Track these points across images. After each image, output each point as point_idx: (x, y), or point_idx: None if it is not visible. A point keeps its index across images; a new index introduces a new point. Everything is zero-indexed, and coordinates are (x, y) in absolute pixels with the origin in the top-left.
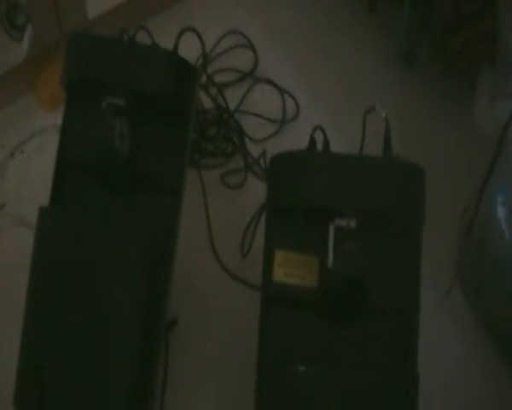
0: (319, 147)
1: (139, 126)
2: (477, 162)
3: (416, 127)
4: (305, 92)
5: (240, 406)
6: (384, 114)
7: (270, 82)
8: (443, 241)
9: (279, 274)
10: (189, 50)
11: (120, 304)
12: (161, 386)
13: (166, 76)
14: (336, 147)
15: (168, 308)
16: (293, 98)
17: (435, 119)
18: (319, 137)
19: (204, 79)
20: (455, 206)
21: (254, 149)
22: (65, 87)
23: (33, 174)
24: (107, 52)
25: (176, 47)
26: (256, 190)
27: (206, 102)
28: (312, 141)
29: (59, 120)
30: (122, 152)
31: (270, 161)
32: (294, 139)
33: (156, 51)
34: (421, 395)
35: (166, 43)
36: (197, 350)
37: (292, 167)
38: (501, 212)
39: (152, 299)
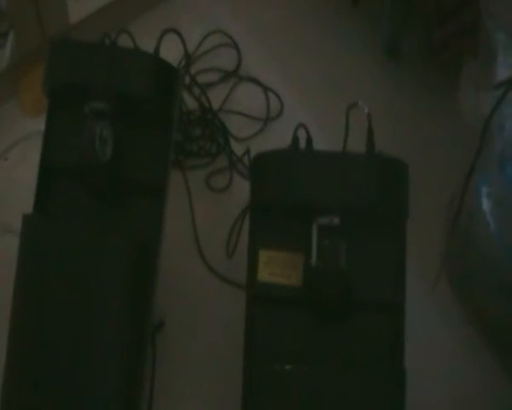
0: (303, 144)
1: (122, 130)
2: (462, 154)
3: (401, 120)
4: (289, 89)
5: (227, 406)
6: (366, 110)
7: (253, 80)
8: (429, 234)
9: (264, 274)
10: (172, 52)
11: (106, 308)
12: (149, 388)
13: (148, 79)
14: (321, 144)
15: (155, 311)
16: (278, 96)
17: (420, 111)
18: (304, 134)
19: (187, 79)
20: (441, 199)
21: (239, 149)
22: (47, 93)
23: (18, 181)
24: (89, 57)
25: (157, 49)
26: (241, 190)
27: (191, 103)
28: (295, 139)
29: (43, 127)
30: (105, 156)
31: (253, 160)
32: (279, 137)
33: (137, 54)
34: (409, 390)
35: (149, 45)
36: (184, 351)
37: (274, 166)
38: (486, 204)
39: (138, 302)
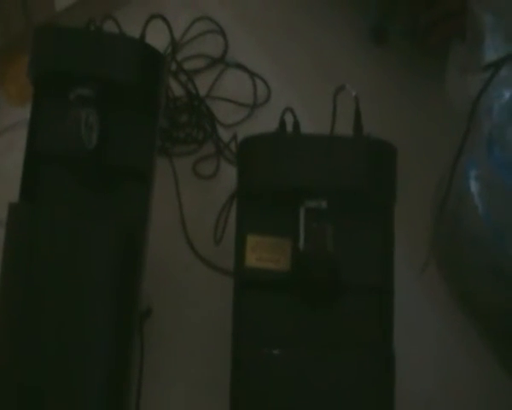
0: (290, 129)
1: (108, 116)
2: (450, 137)
3: (388, 104)
4: (276, 75)
5: (216, 391)
6: (354, 93)
7: (240, 66)
8: (417, 217)
9: (251, 259)
10: (159, 38)
11: (93, 295)
12: (138, 374)
13: (133, 65)
14: (309, 128)
15: (142, 298)
16: (264, 81)
17: (407, 95)
18: (291, 119)
19: (174, 66)
20: (429, 181)
21: (226, 135)
22: (32, 81)
23: (5, 171)
24: (74, 43)
25: (143, 35)
26: (228, 176)
27: (177, 90)
28: (282, 123)
29: (29, 115)
30: (91, 143)
31: (239, 145)
32: (266, 122)
33: (123, 40)
34: (399, 372)
35: (135, 31)
36: (173, 338)
37: (260, 150)
38: (474, 187)
39: (125, 288)
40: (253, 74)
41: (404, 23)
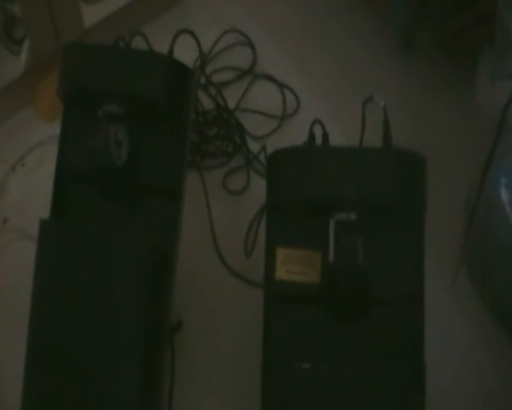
0: (320, 140)
1: (137, 132)
2: (480, 145)
3: (418, 112)
4: (304, 86)
5: (246, 405)
6: (382, 103)
7: (269, 78)
8: (448, 227)
9: (281, 272)
10: (188, 52)
11: (124, 312)
12: (169, 388)
13: (162, 80)
14: (338, 138)
15: (173, 311)
16: (293, 92)
17: (437, 102)
18: (320, 129)
19: (203, 79)
20: (459, 190)
21: (256, 147)
22: (61, 98)
23: (35, 187)
24: (102, 60)
25: (171, 50)
26: (259, 189)
27: (207, 103)
28: (311, 135)
29: (58, 131)
30: (120, 159)
31: (269, 158)
32: (296, 134)
33: (151, 56)
34: (430, 383)
35: (164, 46)
36: (203, 351)
37: (290, 164)
38: (504, 195)
39: (155, 303)
40: (282, 85)
41: (432, 29)
